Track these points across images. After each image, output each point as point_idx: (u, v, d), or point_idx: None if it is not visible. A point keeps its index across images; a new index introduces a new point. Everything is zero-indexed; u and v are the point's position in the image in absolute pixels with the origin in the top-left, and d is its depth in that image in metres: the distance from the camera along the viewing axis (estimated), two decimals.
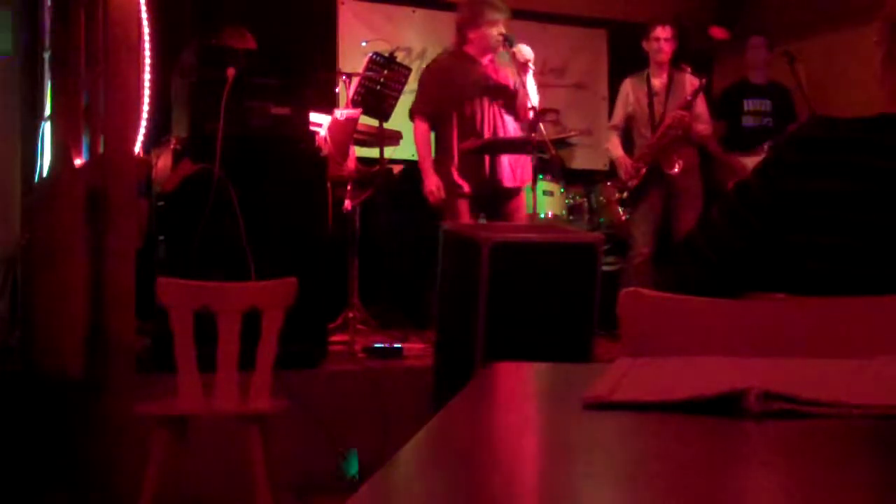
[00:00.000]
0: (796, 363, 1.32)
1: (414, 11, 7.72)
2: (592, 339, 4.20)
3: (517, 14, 6.24)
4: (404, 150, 6.59)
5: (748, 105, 6.95)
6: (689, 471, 0.88)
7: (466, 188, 5.90)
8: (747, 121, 6.95)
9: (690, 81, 6.60)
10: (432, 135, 6.06)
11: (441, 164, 5.98)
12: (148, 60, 4.47)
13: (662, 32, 6.56)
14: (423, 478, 0.90)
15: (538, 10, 7.73)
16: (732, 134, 6.94)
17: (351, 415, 4.55)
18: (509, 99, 5.90)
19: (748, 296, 1.94)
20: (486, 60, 5.99)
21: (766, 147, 6.35)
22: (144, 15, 4.57)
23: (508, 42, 5.83)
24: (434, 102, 5.99)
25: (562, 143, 6.31)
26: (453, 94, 5.94)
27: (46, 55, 5.76)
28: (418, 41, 7.70)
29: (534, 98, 5.83)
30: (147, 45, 4.48)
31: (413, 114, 6.07)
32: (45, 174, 5.59)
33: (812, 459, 0.95)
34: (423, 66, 7.35)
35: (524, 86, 5.80)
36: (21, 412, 4.60)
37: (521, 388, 1.50)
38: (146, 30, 4.46)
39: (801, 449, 0.99)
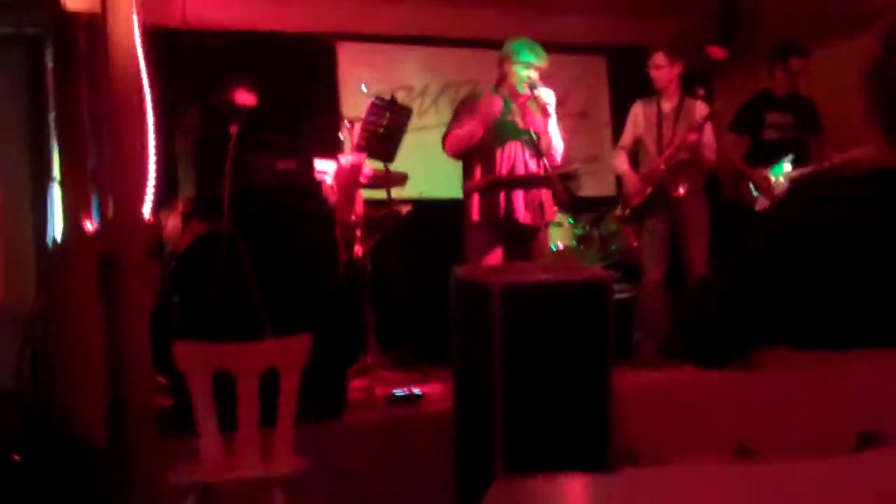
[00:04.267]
0: None
1: (412, 49, 7.75)
2: (609, 376, 4.19)
3: None
4: (412, 189, 6.63)
5: (770, 118, 6.93)
6: None
7: (483, 220, 5.96)
8: (769, 134, 6.92)
9: (700, 107, 6.62)
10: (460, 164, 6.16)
11: (465, 193, 6.09)
12: (151, 121, 4.48)
13: (658, 59, 6.61)
14: None
15: (538, 40, 7.75)
16: (754, 147, 6.92)
17: (373, 467, 4.54)
18: (534, 142, 5.96)
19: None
20: (517, 101, 6.07)
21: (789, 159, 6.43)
22: (145, 76, 4.59)
23: (531, 86, 5.93)
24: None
25: (567, 177, 6.32)
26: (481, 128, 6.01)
27: (51, 116, 5.81)
28: (419, 78, 7.73)
29: (557, 142, 5.96)
30: (150, 106, 4.49)
31: (443, 139, 6.14)
32: (57, 238, 5.63)
33: None
34: (426, 103, 7.37)
35: (546, 130, 5.95)
36: (46, 480, 4.61)
37: None
38: (148, 91, 4.47)
39: None
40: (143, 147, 4.51)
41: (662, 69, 6.59)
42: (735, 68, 7.64)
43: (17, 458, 4.83)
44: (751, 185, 6.76)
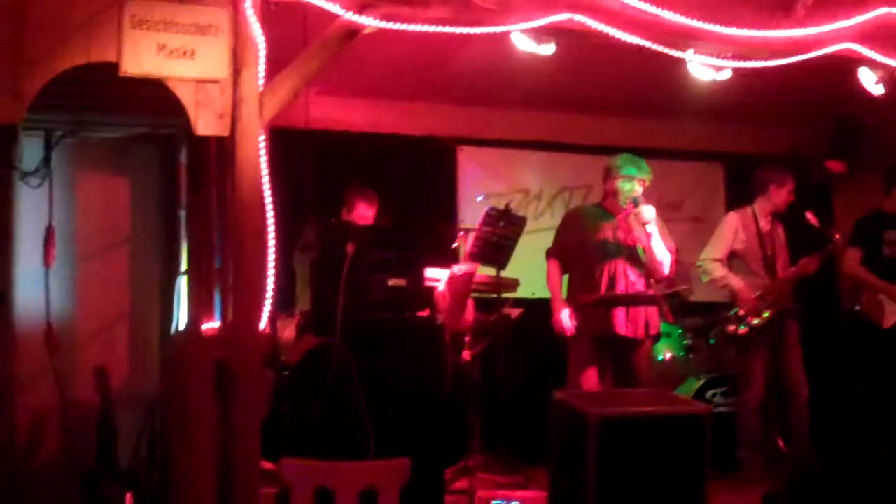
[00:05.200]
0: None
1: (531, 154, 7.93)
2: None
3: (634, 151, 6.42)
4: (525, 290, 6.78)
5: (888, 236, 6.88)
6: None
7: (581, 334, 6.06)
8: (888, 251, 6.88)
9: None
10: (565, 277, 6.31)
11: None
12: (273, 238, 4.73)
13: (776, 177, 6.65)
14: None
15: (656, 147, 7.86)
16: (872, 265, 6.88)
17: None
18: (638, 257, 6.06)
19: None
20: (620, 216, 6.19)
21: None
22: (268, 188, 4.83)
23: (634, 202, 6.05)
24: (565, 248, 6.29)
25: (674, 296, 6.39)
26: (582, 243, 6.18)
27: (182, 214, 6.11)
28: (535, 183, 7.91)
29: (662, 255, 6.09)
30: (272, 224, 4.74)
31: (547, 255, 6.36)
32: (181, 328, 5.91)
33: None
34: (541, 206, 7.52)
35: (650, 246, 6.06)
36: None
37: None
38: (271, 209, 4.72)
39: None
40: (264, 259, 4.76)
41: (782, 187, 6.62)
42: (854, 180, 7.62)
43: None
44: (882, 299, 6.73)
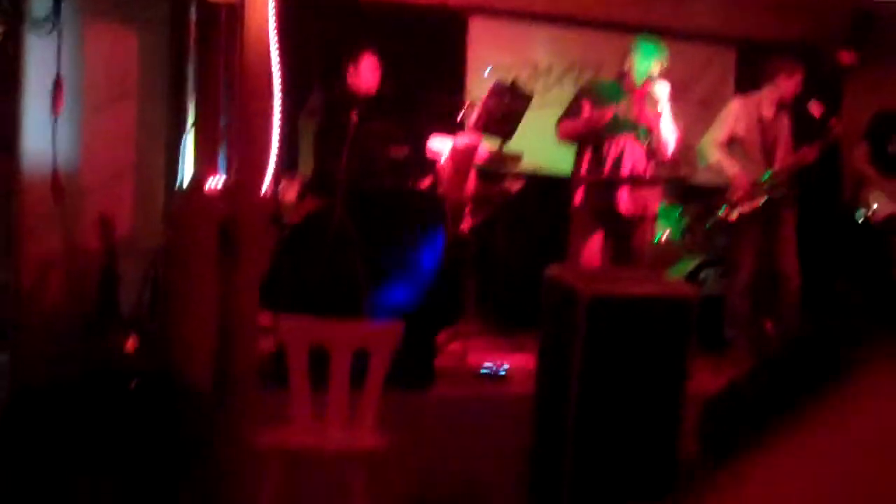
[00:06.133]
0: None
1: (543, 28, 7.87)
2: (683, 391, 4.37)
3: (647, 29, 6.40)
4: (529, 164, 6.84)
5: None
6: None
7: (585, 206, 6.16)
8: (892, 148, 6.92)
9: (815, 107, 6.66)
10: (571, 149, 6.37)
11: (572, 180, 6.30)
12: (278, 101, 4.77)
13: (783, 66, 6.63)
14: None
15: (665, 25, 7.78)
16: (876, 158, 6.92)
17: (453, 443, 4.82)
18: (645, 136, 6.11)
19: None
20: (634, 94, 6.23)
21: None
22: (275, 54, 4.85)
23: (650, 79, 6.11)
24: (578, 115, 6.29)
25: (677, 179, 6.44)
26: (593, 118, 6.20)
27: (190, 70, 6.13)
28: (544, 57, 7.86)
29: (668, 136, 6.09)
30: (278, 87, 4.78)
31: (557, 123, 6.35)
32: (185, 184, 5.99)
33: None
34: (549, 81, 7.51)
35: (658, 126, 6.10)
36: (154, 411, 5.00)
37: None
38: (277, 72, 4.75)
39: None
40: (269, 123, 4.82)
41: (791, 78, 6.61)
42: (866, 73, 7.58)
43: (133, 385, 5.25)
44: (872, 196, 6.79)
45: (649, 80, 6.10)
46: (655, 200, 6.26)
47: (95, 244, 5.66)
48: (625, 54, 6.27)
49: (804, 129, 6.73)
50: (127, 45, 6.29)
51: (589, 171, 6.21)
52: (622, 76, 6.30)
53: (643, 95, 6.20)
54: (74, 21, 6.05)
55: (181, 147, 6.16)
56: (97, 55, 6.21)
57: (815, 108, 6.55)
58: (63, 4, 5.90)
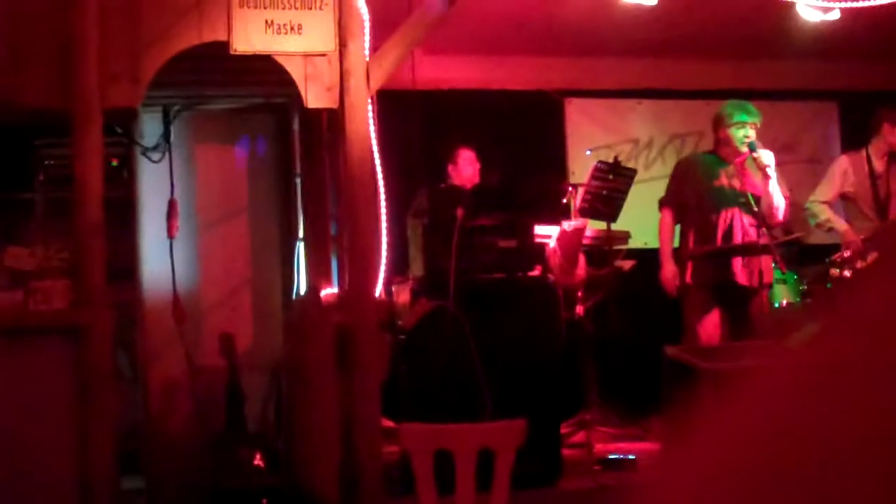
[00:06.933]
0: None
1: (639, 103, 7.88)
2: None
3: (744, 94, 6.33)
4: (637, 240, 6.80)
5: None
6: None
7: (698, 283, 6.05)
8: None
9: None
10: (677, 227, 6.29)
11: (679, 255, 6.21)
12: (384, 207, 4.85)
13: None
14: None
15: (765, 88, 7.73)
16: None
17: None
18: (751, 206, 6.01)
19: None
20: (735, 163, 6.13)
21: None
22: (378, 156, 4.94)
23: (751, 147, 5.97)
24: (680, 196, 6.24)
25: (791, 243, 6.32)
26: (697, 191, 6.14)
27: (297, 181, 6.27)
28: (645, 132, 7.85)
29: (778, 201, 6.00)
30: (382, 193, 4.86)
31: (661, 204, 6.34)
32: (301, 293, 6.09)
33: None
34: (651, 155, 7.48)
35: (767, 191, 5.97)
36: None
37: None
38: (381, 177, 4.84)
39: None
40: (377, 227, 4.89)
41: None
42: None
43: (264, 502, 5.31)
44: None
45: (748, 145, 6.01)
46: (769, 268, 6.12)
47: (218, 361, 5.77)
48: (717, 123, 6.19)
49: None
50: (236, 161, 6.47)
51: (696, 245, 6.12)
52: (717, 144, 6.22)
53: (744, 162, 6.11)
54: (184, 142, 6.26)
55: (295, 258, 6.27)
56: (208, 174, 6.40)
57: None
58: (172, 127, 6.12)
